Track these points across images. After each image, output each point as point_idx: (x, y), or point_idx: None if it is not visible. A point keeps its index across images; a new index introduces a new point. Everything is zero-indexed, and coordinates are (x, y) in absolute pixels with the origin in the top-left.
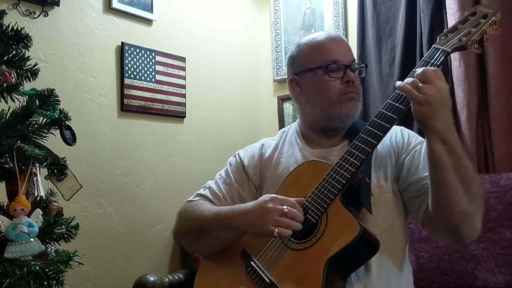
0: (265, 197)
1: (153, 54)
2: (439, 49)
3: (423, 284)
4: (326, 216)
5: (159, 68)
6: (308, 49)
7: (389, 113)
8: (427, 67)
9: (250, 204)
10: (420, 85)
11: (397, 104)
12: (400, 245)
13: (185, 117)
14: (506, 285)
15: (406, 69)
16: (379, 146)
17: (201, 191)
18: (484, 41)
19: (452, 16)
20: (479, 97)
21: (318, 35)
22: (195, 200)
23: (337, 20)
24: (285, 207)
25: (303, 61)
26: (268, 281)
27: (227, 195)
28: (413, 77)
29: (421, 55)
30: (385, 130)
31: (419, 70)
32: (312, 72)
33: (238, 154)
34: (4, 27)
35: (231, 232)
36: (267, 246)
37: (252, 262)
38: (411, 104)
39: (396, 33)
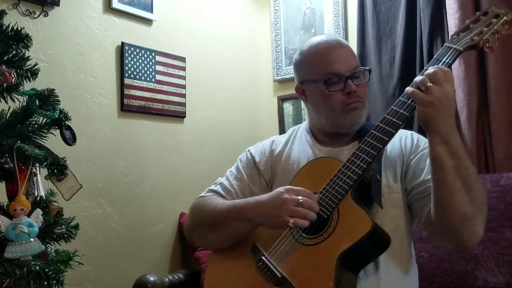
0: (281, 188)
1: (153, 54)
2: (451, 47)
3: (423, 284)
4: (338, 212)
5: (159, 68)
6: (308, 59)
7: (400, 111)
8: (439, 65)
9: (265, 195)
10: (429, 84)
11: (408, 102)
12: (407, 246)
13: (185, 117)
14: (506, 285)
15: (406, 69)
16: (389, 148)
17: (213, 187)
18: (495, 41)
19: (452, 16)
20: (479, 96)
21: (318, 42)
22: (207, 195)
23: (337, 20)
24: (300, 197)
25: (305, 72)
26: (279, 275)
27: (238, 191)
28: (423, 75)
29: (421, 55)
30: (397, 127)
31: (430, 69)
32: (314, 83)
33: (248, 150)
34: (4, 27)
35: (245, 224)
36: (278, 241)
37: (263, 257)
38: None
39: (396, 33)
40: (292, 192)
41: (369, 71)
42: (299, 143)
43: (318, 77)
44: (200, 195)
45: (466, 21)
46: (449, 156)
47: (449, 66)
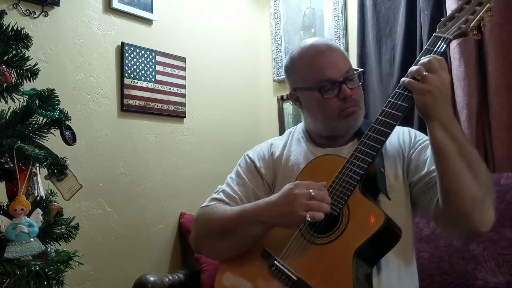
0: (289, 184)
1: (153, 54)
2: (441, 37)
3: (423, 284)
4: (348, 208)
5: (159, 68)
6: (299, 67)
7: (399, 102)
8: (432, 55)
9: (274, 195)
10: (425, 73)
11: (405, 93)
12: (410, 244)
13: (185, 117)
14: (506, 285)
15: (406, 69)
16: (388, 145)
17: (215, 196)
18: (481, 28)
19: None
20: (479, 96)
21: (307, 48)
22: (211, 204)
23: (337, 20)
24: (311, 190)
25: (297, 79)
26: (295, 278)
27: (242, 196)
28: (417, 65)
29: None
30: (397, 119)
31: (424, 59)
32: (307, 91)
33: (247, 155)
34: (4, 27)
35: (259, 227)
36: (289, 244)
37: (275, 261)
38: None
39: (396, 33)
40: (302, 186)
41: (363, 72)
42: (297, 145)
43: (311, 85)
44: (202, 205)
45: (451, 11)
46: (451, 141)
47: (441, 55)
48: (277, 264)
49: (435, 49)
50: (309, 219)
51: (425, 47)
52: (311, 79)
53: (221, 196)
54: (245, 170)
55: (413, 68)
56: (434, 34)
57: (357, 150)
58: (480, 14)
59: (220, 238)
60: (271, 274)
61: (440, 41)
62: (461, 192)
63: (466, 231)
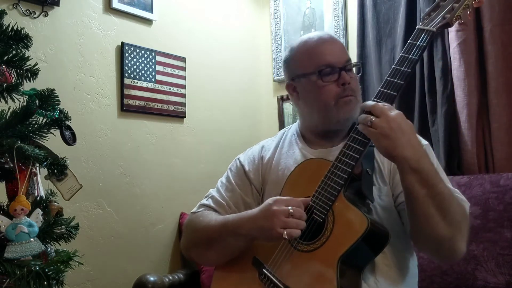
0: (270, 200)
1: (153, 54)
2: (424, 29)
3: (423, 284)
4: (333, 214)
5: (159, 68)
6: (300, 54)
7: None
8: (374, 100)
9: (256, 209)
10: (373, 119)
11: (390, 91)
12: (403, 248)
13: (185, 117)
14: (506, 285)
15: None
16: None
17: (204, 201)
18: (467, 15)
19: None
20: (479, 96)
21: (309, 37)
22: (199, 211)
23: (337, 20)
24: (290, 207)
25: (297, 67)
26: (282, 286)
27: (230, 202)
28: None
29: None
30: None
31: (369, 103)
32: (306, 77)
33: (238, 158)
34: (4, 27)
35: (240, 239)
36: (277, 251)
37: (264, 269)
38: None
39: (396, 33)
40: (282, 202)
41: (362, 64)
42: (288, 147)
43: (311, 70)
44: (192, 211)
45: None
46: (421, 185)
47: (424, 49)
48: (265, 272)
49: (418, 43)
50: (286, 237)
51: (408, 40)
52: (311, 64)
53: (210, 202)
54: (234, 175)
55: (361, 116)
56: (417, 27)
57: (342, 153)
58: (466, 1)
59: (205, 248)
60: (261, 282)
61: (423, 34)
62: (427, 232)
63: (436, 259)
